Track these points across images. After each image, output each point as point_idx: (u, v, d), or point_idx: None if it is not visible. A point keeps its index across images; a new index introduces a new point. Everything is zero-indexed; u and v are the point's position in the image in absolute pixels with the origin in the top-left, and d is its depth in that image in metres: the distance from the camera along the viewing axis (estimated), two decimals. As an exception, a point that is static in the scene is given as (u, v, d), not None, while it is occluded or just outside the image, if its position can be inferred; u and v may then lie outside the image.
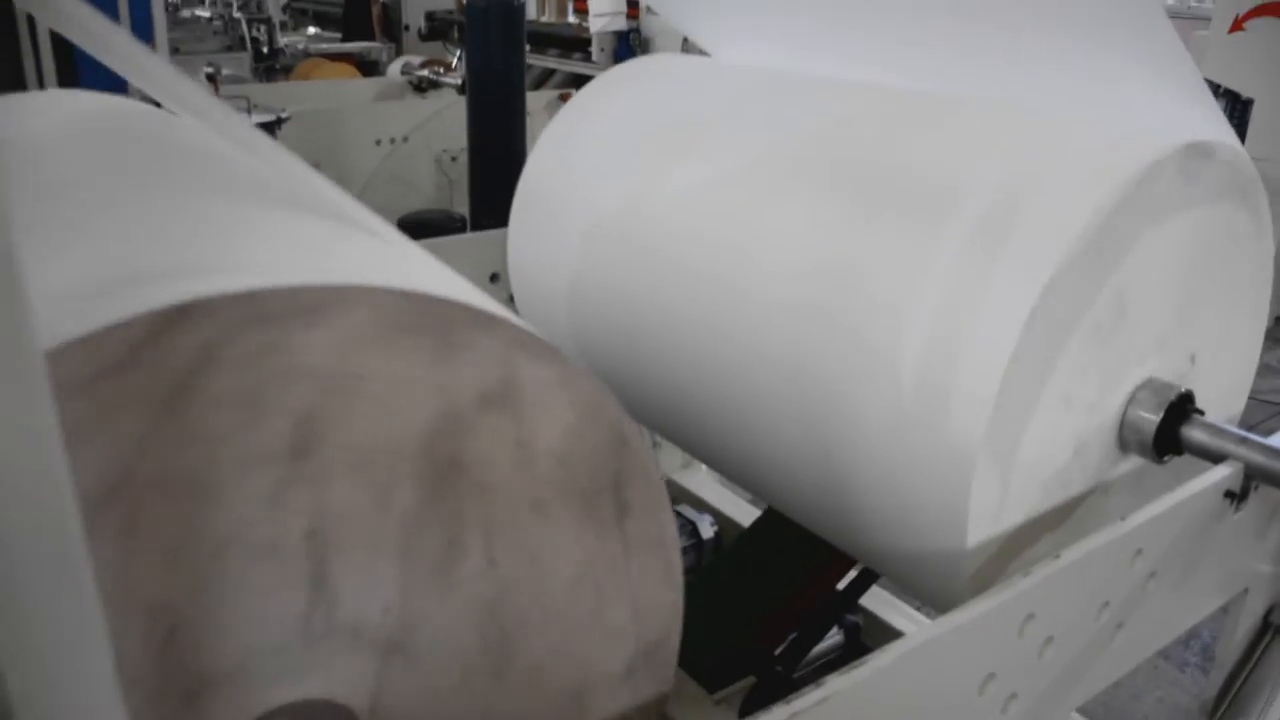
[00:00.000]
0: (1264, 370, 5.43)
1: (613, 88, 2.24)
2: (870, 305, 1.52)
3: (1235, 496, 1.51)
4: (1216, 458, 1.53)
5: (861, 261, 1.55)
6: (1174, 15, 13.86)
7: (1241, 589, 1.72)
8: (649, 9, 6.71)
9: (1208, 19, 6.38)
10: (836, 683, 0.98)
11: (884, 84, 1.91)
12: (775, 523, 2.32)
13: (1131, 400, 1.60)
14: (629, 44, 6.80)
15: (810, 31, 2.08)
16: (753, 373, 1.68)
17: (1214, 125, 1.57)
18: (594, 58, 6.88)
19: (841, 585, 2.29)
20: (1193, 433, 1.56)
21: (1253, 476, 1.52)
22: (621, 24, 6.71)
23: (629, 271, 1.91)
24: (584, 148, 2.15)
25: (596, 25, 6.68)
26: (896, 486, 1.49)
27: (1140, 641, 1.48)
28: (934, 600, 1.64)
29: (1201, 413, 1.59)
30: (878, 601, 2.60)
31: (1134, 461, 1.66)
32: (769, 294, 1.66)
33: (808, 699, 0.96)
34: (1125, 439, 1.61)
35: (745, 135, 1.88)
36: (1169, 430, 1.57)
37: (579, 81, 7.43)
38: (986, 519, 1.43)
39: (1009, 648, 1.20)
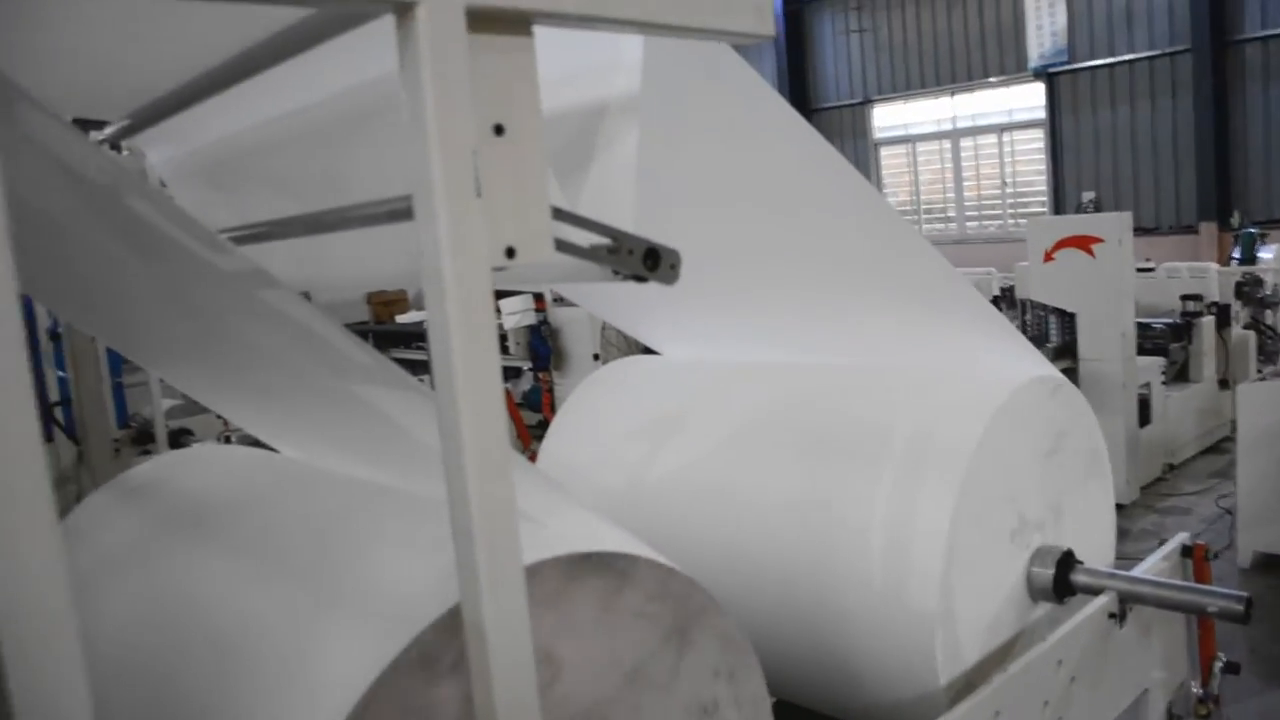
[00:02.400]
0: (1141, 534, 6.21)
1: (599, 388, 2.90)
2: (839, 522, 2.14)
3: (1117, 616, 2.14)
4: (1098, 592, 2.17)
5: (828, 491, 2.19)
6: (999, 240, 15.68)
7: (1142, 690, 2.32)
8: (555, 301, 7.60)
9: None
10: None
11: (802, 362, 2.61)
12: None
13: (1031, 562, 2.23)
14: (541, 335, 7.64)
15: (740, 332, 2.79)
16: (752, 598, 2.25)
17: (1034, 360, 2.30)
18: (511, 350, 7.68)
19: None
20: (1078, 577, 2.21)
21: (1125, 600, 2.16)
22: (532, 318, 7.57)
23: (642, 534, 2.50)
24: (585, 441, 2.78)
25: (509, 322, 7.51)
26: (880, 649, 2.06)
27: (1077, 732, 2.05)
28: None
29: (1081, 563, 2.24)
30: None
31: (1044, 607, 2.28)
32: (761, 527, 2.27)
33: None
34: (1033, 591, 2.24)
35: (716, 419, 2.54)
36: (1061, 578, 2.20)
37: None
38: (950, 661, 2.02)
39: (988, 736, 1.77)
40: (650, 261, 1.32)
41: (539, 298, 7.67)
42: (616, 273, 1.32)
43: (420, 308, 10.63)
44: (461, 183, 1.00)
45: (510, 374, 8.09)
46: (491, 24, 1.04)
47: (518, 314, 7.52)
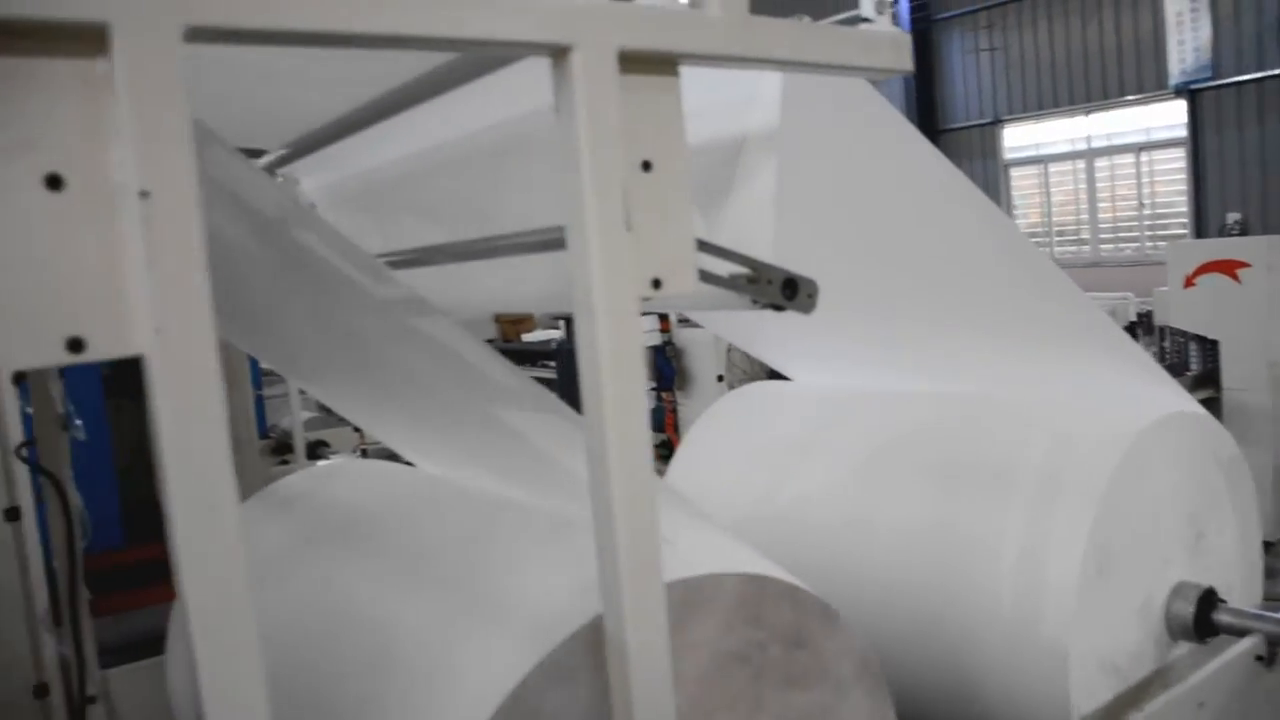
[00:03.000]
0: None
1: (727, 412, 2.93)
2: (971, 552, 2.12)
3: (1264, 659, 2.07)
4: (1243, 633, 2.10)
5: (959, 521, 2.17)
6: (1135, 263, 15.15)
7: (1291, 736, 2.23)
8: (681, 321, 7.67)
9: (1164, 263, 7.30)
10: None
11: (932, 390, 2.59)
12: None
13: (1170, 598, 2.17)
14: (665, 355, 7.71)
15: (870, 358, 2.78)
16: (880, 627, 2.23)
17: (1171, 391, 2.24)
18: (634, 370, 7.75)
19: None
20: (1220, 617, 2.13)
21: (1275, 643, 2.08)
22: (656, 339, 7.65)
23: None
24: (713, 465, 2.81)
25: (633, 343, 7.56)
26: (1012, 682, 2.03)
27: (1219, 777, 1.98)
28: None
29: (1224, 601, 2.17)
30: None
31: (1184, 646, 2.21)
32: (890, 556, 2.26)
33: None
34: (1172, 629, 2.17)
35: (845, 446, 2.54)
36: (1203, 616, 2.13)
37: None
38: (1084, 698, 1.97)
39: (1124, 778, 1.73)
40: (788, 291, 1.35)
41: (664, 318, 7.75)
42: (755, 302, 1.36)
43: (546, 327, 10.86)
44: (612, 217, 1.05)
45: (633, 393, 8.15)
46: (641, 65, 1.09)
47: (643, 334, 7.62)
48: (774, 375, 3.20)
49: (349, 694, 1.48)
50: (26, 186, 0.81)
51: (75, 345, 0.82)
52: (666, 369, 7.78)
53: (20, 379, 3.02)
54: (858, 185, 1.85)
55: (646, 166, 1.11)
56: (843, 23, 1.70)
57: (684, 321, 7.70)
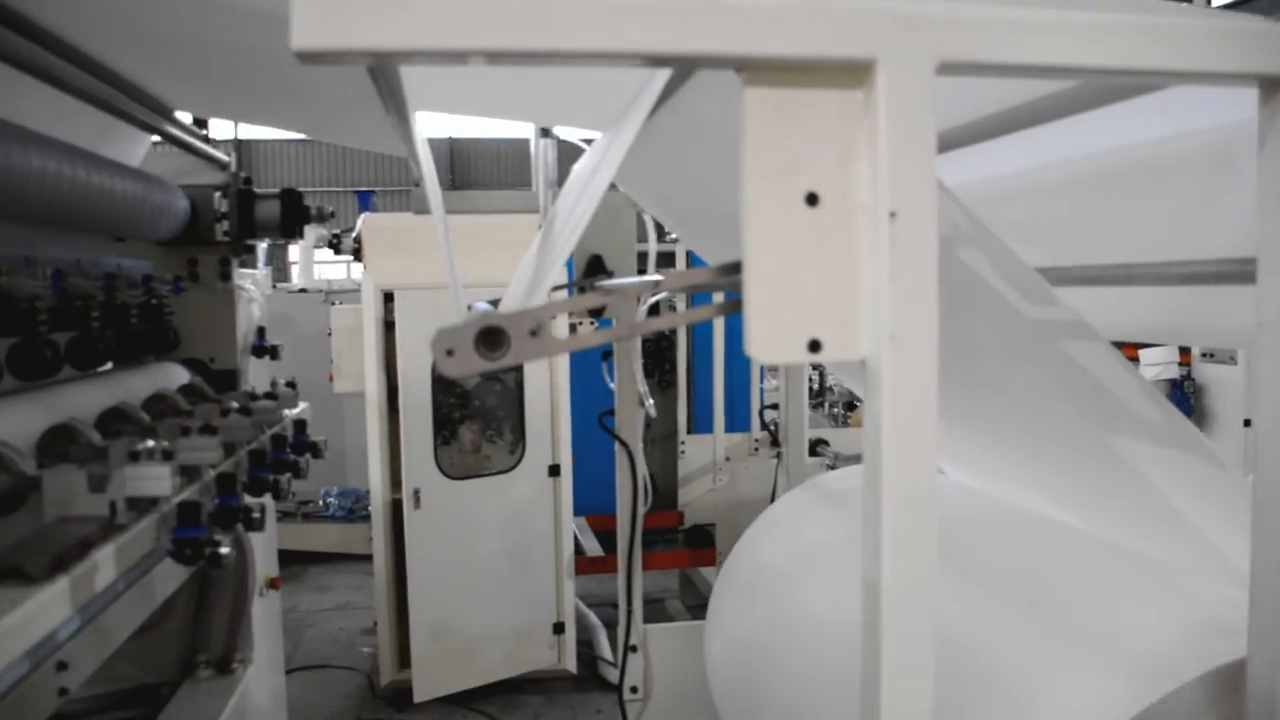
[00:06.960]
0: None
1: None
2: None
3: None
4: None
5: None
6: None
7: None
8: (1203, 356, 6.99)
9: None
10: None
11: None
12: None
13: None
14: (1183, 390, 7.05)
15: None
16: None
17: None
18: (1144, 403, 7.16)
19: None
20: None
21: None
22: (1173, 372, 7.02)
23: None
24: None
25: (1149, 374, 7.02)
26: None
27: None
28: None
29: None
30: None
31: None
32: None
33: None
34: None
35: None
36: None
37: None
38: None
39: None
40: None
41: (1184, 351, 7.10)
42: None
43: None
44: (1320, 254, 1.01)
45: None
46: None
47: (1159, 366, 7.03)
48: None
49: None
50: (791, 203, 0.93)
51: (814, 346, 0.94)
52: (1183, 405, 7.12)
53: (607, 356, 3.43)
54: None
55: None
56: None
57: (1207, 356, 7.01)
